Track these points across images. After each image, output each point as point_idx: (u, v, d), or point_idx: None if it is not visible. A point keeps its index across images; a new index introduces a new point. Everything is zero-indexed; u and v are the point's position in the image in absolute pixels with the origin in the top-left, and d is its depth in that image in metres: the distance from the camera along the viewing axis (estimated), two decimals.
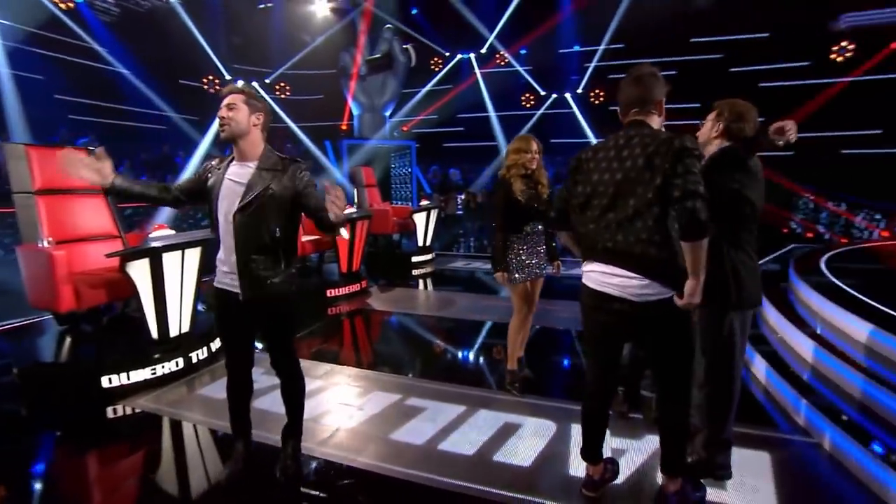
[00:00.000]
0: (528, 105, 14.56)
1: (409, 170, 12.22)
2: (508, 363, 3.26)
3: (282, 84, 13.48)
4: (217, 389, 3.34)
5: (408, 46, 12.31)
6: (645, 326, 1.88)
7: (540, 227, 3.13)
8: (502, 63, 14.45)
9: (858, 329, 3.27)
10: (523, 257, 3.09)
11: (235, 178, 2.06)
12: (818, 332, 3.53)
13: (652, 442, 2.66)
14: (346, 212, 6.04)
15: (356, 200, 7.94)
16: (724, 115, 2.17)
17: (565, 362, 4.01)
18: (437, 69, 14.75)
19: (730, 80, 11.49)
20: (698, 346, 2.13)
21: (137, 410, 3.05)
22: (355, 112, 12.46)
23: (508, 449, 2.62)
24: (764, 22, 10.70)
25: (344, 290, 5.71)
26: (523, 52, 14.32)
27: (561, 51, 13.90)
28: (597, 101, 13.95)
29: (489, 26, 13.50)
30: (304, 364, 3.81)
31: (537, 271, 3.13)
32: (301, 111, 13.14)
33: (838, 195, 10.47)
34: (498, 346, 4.33)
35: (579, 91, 14.07)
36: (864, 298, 3.83)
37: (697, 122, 2.28)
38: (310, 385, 3.33)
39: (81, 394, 3.12)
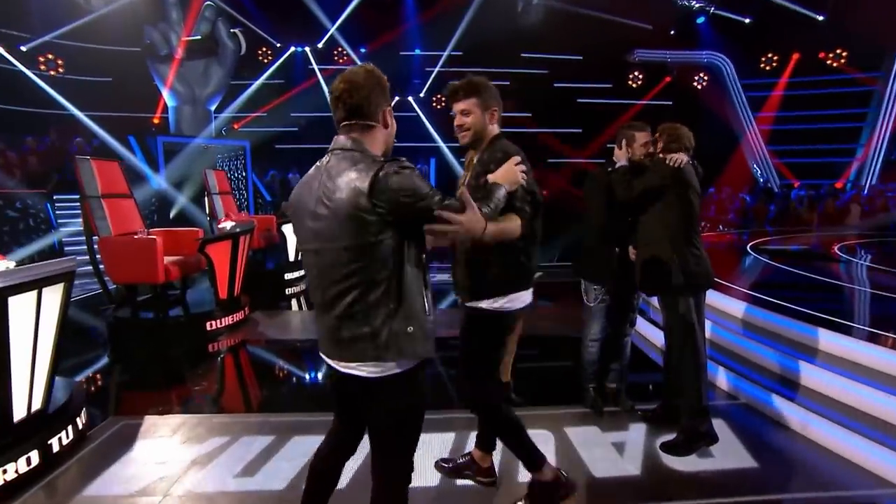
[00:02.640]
0: None
1: (244, 174, 10.93)
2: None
3: (49, 56, 10.45)
4: (102, 486, 2.48)
5: (236, 31, 10.98)
6: None
7: None
8: (342, 61, 14.09)
9: (732, 306, 4.21)
10: None
11: None
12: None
13: (640, 430, 2.99)
14: (227, 225, 5.04)
15: (207, 211, 6.75)
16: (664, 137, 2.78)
17: (540, 367, 4.13)
18: (266, 61, 13.54)
19: (554, 94, 13.53)
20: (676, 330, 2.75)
21: None
22: (170, 104, 10.53)
23: None
24: (578, 45, 12.95)
25: (227, 321, 4.82)
26: (363, 50, 14.24)
27: (403, 53, 14.27)
28: (439, 106, 14.74)
29: (329, 18, 13.02)
30: (245, 420, 3.17)
31: None
32: (86, 96, 10.43)
33: None
34: (440, 360, 4.24)
35: (422, 95, 14.65)
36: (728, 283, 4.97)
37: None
38: (260, 445, 2.82)
39: None
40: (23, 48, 10.04)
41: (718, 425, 2.90)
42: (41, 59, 10.33)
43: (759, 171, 14.09)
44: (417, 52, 14.43)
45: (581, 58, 13.47)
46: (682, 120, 2.89)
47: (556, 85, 13.71)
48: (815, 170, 13.24)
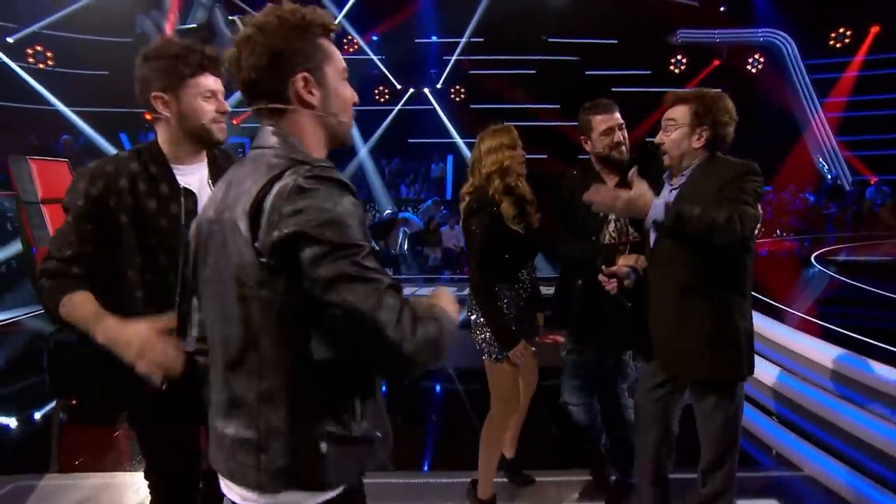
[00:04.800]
0: (382, 100, 14.10)
1: None
2: (479, 491, 2.30)
3: (38, 48, 10.37)
4: None
5: (234, 18, 10.75)
6: None
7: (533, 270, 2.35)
8: (352, 50, 13.74)
9: (798, 342, 3.49)
10: (515, 318, 2.20)
11: None
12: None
13: None
14: None
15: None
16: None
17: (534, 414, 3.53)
18: None
19: (585, 83, 12.75)
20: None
21: None
22: None
23: None
24: (612, 27, 12.15)
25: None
26: (375, 38, 13.86)
27: (418, 40, 13.81)
28: (458, 98, 14.21)
29: (336, 5, 12.69)
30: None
31: (531, 332, 2.31)
32: (75, 91, 10.36)
33: None
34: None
35: (439, 86, 14.16)
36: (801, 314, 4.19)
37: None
38: None
39: None
40: (10, 39, 10.04)
41: None
42: (29, 51, 10.29)
43: (827, 167, 12.91)
44: (434, 38, 13.94)
45: (616, 41, 12.65)
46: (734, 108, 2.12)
47: (587, 73, 12.93)
48: None
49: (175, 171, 1.47)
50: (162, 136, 1.49)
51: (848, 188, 12.10)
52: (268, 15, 1.00)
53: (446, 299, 1.06)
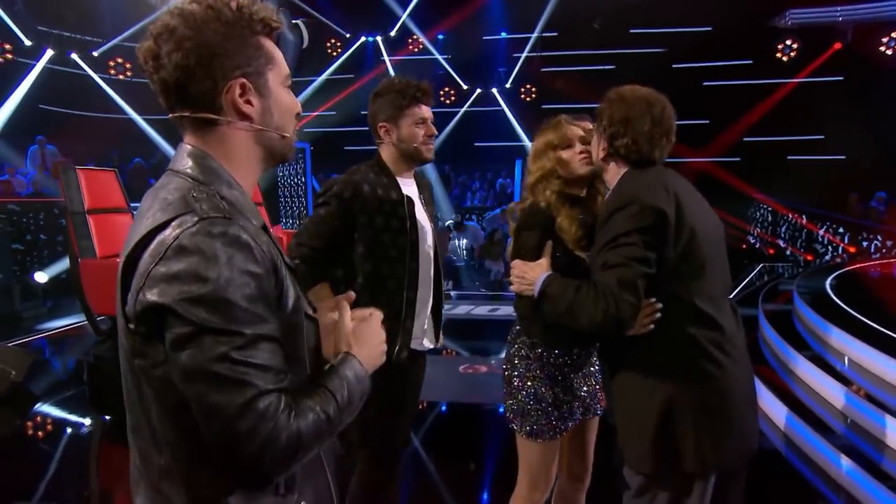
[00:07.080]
0: (448, 101, 13.81)
1: (303, 179, 10.75)
2: None
3: (119, 60, 11.07)
4: None
5: (298, 22, 10.86)
6: None
7: None
8: (416, 49, 13.53)
9: None
10: (566, 381, 1.75)
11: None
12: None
13: None
14: None
15: None
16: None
17: None
18: (335, 54, 13.41)
19: (673, 77, 11.61)
20: None
21: None
22: None
23: None
24: (706, 13, 10.93)
25: None
26: (441, 37, 13.56)
27: (486, 37, 13.35)
28: (528, 98, 13.59)
29: (400, 4, 12.51)
30: None
31: (590, 403, 1.83)
32: (149, 99, 10.81)
33: (794, 205, 10.91)
34: None
35: (508, 86, 13.62)
36: None
37: None
38: None
39: None
40: (95, 53, 10.77)
41: None
42: (111, 63, 11.00)
43: None
44: (503, 35, 13.40)
45: (710, 28, 11.42)
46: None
47: (675, 66, 11.78)
48: None
49: (399, 183, 1.87)
50: (385, 155, 1.89)
51: None
52: (198, 3, 0.85)
53: (369, 338, 0.98)
